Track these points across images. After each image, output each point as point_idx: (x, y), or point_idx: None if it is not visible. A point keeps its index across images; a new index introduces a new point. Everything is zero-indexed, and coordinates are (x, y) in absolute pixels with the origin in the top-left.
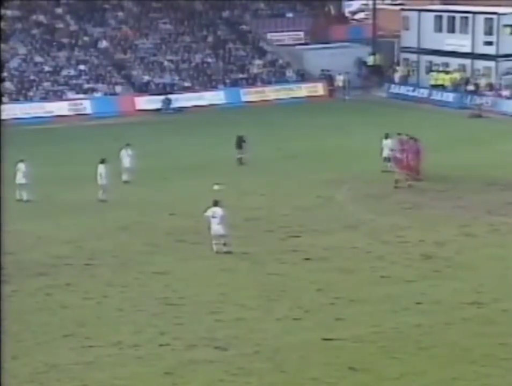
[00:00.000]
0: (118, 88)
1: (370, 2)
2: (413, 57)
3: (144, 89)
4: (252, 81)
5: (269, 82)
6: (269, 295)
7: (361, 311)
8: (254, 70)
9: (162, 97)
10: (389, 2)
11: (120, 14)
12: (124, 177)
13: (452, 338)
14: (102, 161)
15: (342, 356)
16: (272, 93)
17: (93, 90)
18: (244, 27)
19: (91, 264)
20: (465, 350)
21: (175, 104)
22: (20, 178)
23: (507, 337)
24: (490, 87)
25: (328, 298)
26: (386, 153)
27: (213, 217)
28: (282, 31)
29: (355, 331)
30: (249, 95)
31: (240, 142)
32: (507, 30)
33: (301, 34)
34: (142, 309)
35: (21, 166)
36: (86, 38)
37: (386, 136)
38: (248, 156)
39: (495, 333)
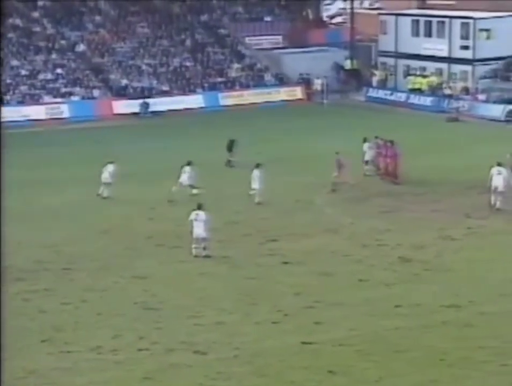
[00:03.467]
0: (95, 92)
1: (348, 7)
2: (391, 61)
3: (121, 93)
4: (231, 84)
5: (247, 86)
6: (248, 299)
7: (340, 314)
8: (233, 74)
9: (140, 101)
10: (367, 6)
11: (97, 17)
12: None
13: (430, 341)
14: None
15: (321, 359)
16: (250, 96)
17: (70, 94)
18: (222, 30)
19: (70, 268)
20: (443, 353)
21: (153, 108)
22: (105, 177)
23: (485, 340)
24: (467, 91)
25: (307, 302)
26: (367, 156)
27: (196, 220)
28: (260, 35)
29: (334, 335)
30: (227, 98)
31: (231, 146)
32: (484, 34)
33: (280, 37)
34: (121, 313)
35: (110, 166)
36: (63, 42)
37: (364, 140)
38: (237, 159)
39: (473, 336)
